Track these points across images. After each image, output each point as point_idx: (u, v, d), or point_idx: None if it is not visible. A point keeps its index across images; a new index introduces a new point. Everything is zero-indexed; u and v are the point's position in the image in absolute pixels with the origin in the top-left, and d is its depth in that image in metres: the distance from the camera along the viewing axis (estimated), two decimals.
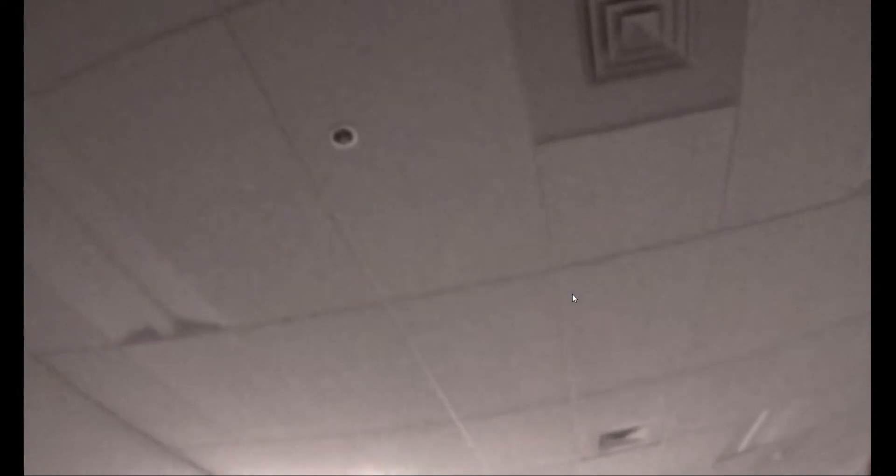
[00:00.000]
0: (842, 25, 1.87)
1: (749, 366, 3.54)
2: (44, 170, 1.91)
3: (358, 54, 1.72)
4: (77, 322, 2.50)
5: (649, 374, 3.40)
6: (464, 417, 3.49)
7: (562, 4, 1.71)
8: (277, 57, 1.70)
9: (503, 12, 1.68)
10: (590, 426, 3.88)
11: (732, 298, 2.89)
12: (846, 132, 2.22)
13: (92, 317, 2.48)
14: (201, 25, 1.62)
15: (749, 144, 2.16)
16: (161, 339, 2.64)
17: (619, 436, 4.14)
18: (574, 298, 2.60)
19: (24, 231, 2.08)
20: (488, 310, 2.65)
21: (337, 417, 3.34)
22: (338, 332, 2.67)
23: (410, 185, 2.09)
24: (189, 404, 3.10)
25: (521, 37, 1.74)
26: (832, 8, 1.82)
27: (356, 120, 1.87)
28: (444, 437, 3.68)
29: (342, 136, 1.91)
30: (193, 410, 3.16)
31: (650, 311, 2.84)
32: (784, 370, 3.71)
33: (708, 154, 2.15)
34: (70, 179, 1.95)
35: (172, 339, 2.64)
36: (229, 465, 3.80)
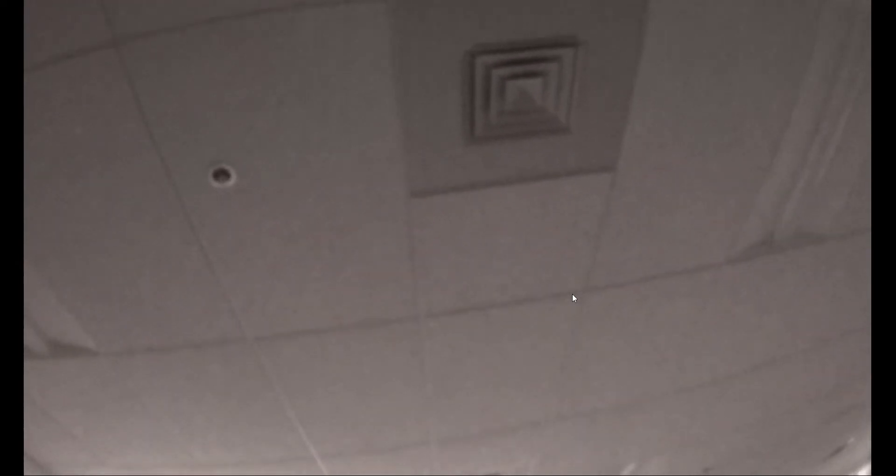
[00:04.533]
0: (726, 95, 2.00)
1: (614, 418, 3.68)
2: None
3: (243, 98, 1.74)
4: None
5: (512, 423, 3.49)
6: (323, 455, 3.49)
7: (449, 64, 1.78)
8: (164, 91, 1.72)
9: (391, 66, 1.75)
10: (449, 471, 3.93)
11: (598, 354, 3.02)
12: (724, 199, 2.35)
13: None
14: (93, 53, 1.63)
15: (622, 209, 2.27)
16: (34, 358, 2.58)
17: None
18: (574, 298, 2.62)
19: None
20: (352, 353, 2.70)
21: (200, 449, 3.31)
22: (203, 366, 2.67)
23: (284, 227, 2.12)
24: (59, 424, 3.03)
25: (406, 91, 1.81)
26: (717, 79, 1.95)
27: (236, 160, 1.90)
28: (302, 472, 3.68)
29: (220, 174, 1.93)
30: (64, 430, 3.09)
31: (514, 361, 2.94)
32: (653, 423, 3.84)
33: (580, 216, 2.26)
34: None
35: (45, 358, 2.58)
36: None
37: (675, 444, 4.27)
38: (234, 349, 2.59)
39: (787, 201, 2.42)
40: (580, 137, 2.00)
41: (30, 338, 2.48)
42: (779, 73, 1.97)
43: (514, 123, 1.92)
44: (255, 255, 2.19)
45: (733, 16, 1.81)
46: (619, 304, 2.69)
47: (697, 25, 1.81)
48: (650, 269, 2.54)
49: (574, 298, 2.61)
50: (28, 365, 2.61)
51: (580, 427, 3.68)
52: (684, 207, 2.32)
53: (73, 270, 2.20)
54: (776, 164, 2.25)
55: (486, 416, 3.35)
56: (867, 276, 2.91)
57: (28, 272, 2.18)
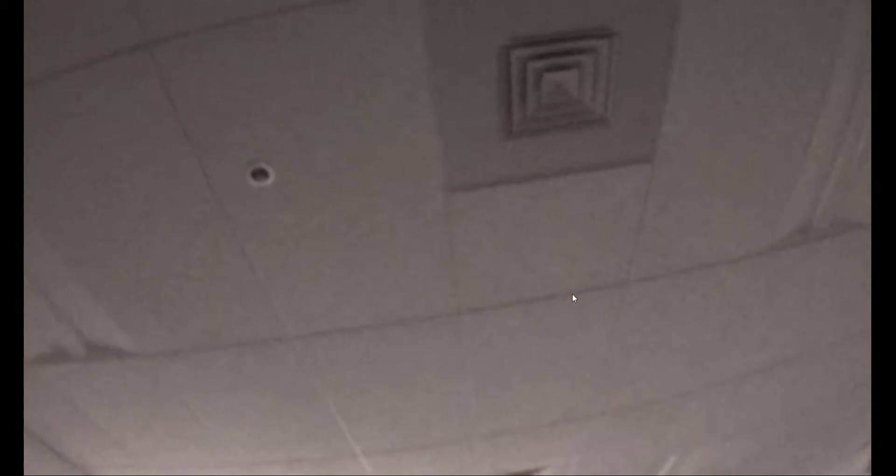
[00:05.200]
0: (759, 85, 1.99)
1: (656, 411, 3.66)
2: None
3: (279, 96, 1.76)
4: None
5: (553, 417, 3.49)
6: (366, 451, 3.51)
7: (484, 57, 1.79)
8: (199, 92, 1.75)
9: (425, 59, 1.76)
10: (492, 466, 3.95)
11: (640, 347, 3.01)
12: (761, 187, 2.34)
13: None
14: (127, 55, 1.66)
15: (661, 200, 2.27)
16: (72, 361, 2.62)
17: None
18: (574, 298, 2.63)
19: None
20: (393, 349, 2.72)
21: (241, 448, 3.35)
22: (245, 365, 2.70)
23: (323, 225, 2.14)
24: (98, 426, 3.08)
25: (441, 86, 1.82)
26: (750, 69, 1.94)
27: (273, 159, 1.92)
28: (346, 471, 3.70)
29: (258, 174, 1.95)
30: (103, 433, 3.13)
31: (555, 356, 2.94)
32: (692, 416, 3.83)
33: (620, 208, 2.26)
34: None
35: (83, 361, 2.62)
36: None
37: (717, 435, 4.25)
38: (275, 348, 2.61)
39: (824, 188, 2.40)
40: (617, 129, 2.00)
41: (68, 340, 2.52)
42: (811, 58, 1.95)
43: (550, 116, 1.92)
44: (294, 252, 2.22)
45: (765, 3, 1.79)
46: (660, 296, 2.69)
47: (730, 14, 1.80)
48: (690, 259, 2.53)
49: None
50: (66, 367, 2.65)
51: (622, 421, 3.68)
52: (722, 197, 2.31)
53: (112, 273, 2.23)
54: (812, 149, 2.23)
55: (527, 411, 3.36)
56: None
57: (66, 275, 2.22)
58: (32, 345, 2.52)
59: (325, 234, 2.17)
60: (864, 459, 5.90)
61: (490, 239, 2.27)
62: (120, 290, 2.30)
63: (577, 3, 1.71)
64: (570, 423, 3.57)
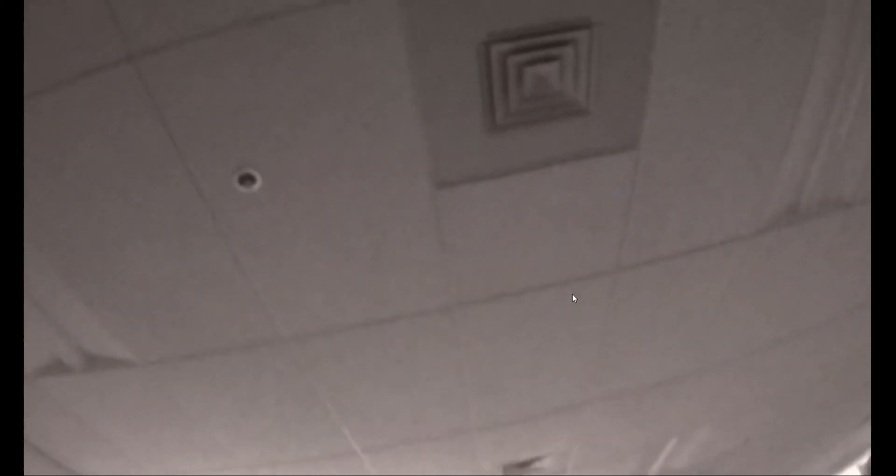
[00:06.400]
0: (743, 70, 2.01)
1: (654, 395, 3.69)
2: None
3: (262, 101, 1.77)
4: None
5: (551, 405, 3.52)
6: (366, 449, 3.53)
7: (465, 55, 1.80)
8: (185, 100, 1.76)
9: (406, 58, 1.77)
10: (493, 456, 3.98)
11: (633, 332, 3.04)
12: (748, 169, 2.35)
13: None
14: (111, 69, 1.67)
15: (648, 186, 2.28)
16: (70, 372, 2.63)
17: (524, 465, 4.22)
18: (574, 298, 2.65)
19: None
20: (388, 346, 2.74)
21: (241, 451, 3.37)
22: (241, 369, 2.72)
23: (312, 227, 2.16)
24: (99, 436, 3.09)
25: (423, 84, 1.83)
26: (733, 54, 1.96)
27: (260, 164, 1.94)
28: (347, 469, 3.72)
29: (246, 179, 1.95)
30: (104, 442, 3.15)
31: (550, 344, 2.97)
32: (690, 399, 3.87)
33: (607, 196, 2.28)
34: None
35: (81, 372, 2.64)
36: None
37: (715, 416, 4.28)
38: (270, 350, 2.63)
39: (811, 168, 2.42)
40: (601, 118, 2.01)
41: (64, 352, 2.53)
42: (794, 37, 1.97)
43: (534, 109, 1.94)
44: (285, 255, 2.23)
45: None
46: (651, 282, 2.71)
47: None
48: (680, 244, 2.55)
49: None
50: (64, 378, 2.66)
51: (620, 406, 3.71)
52: (709, 180, 2.32)
53: (104, 282, 2.24)
54: (797, 130, 2.25)
55: (525, 401, 3.39)
56: None
57: (60, 287, 2.24)
58: (30, 356, 2.53)
59: (315, 236, 2.19)
60: (863, 436, 5.95)
61: (479, 233, 2.28)
62: (113, 299, 2.31)
63: None
64: (569, 410, 3.60)
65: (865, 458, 7.05)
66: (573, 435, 3.94)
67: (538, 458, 4.20)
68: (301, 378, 2.83)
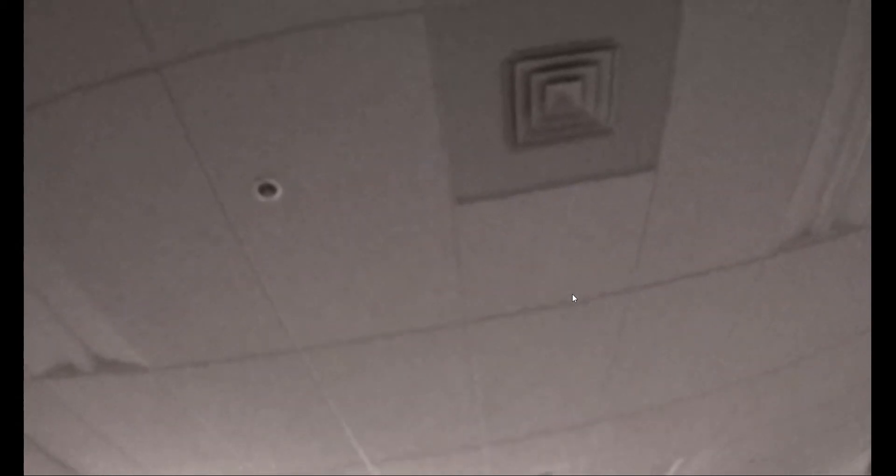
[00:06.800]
0: (760, 92, 2.02)
1: (662, 415, 3.68)
2: None
3: (286, 113, 1.78)
4: None
5: (560, 423, 3.52)
6: (376, 462, 3.53)
7: (489, 72, 1.81)
8: (208, 110, 1.78)
9: (430, 75, 1.79)
10: (500, 472, 3.96)
11: (644, 352, 3.04)
12: (764, 192, 2.36)
13: None
14: (136, 77, 1.69)
15: (665, 207, 2.29)
16: (80, 375, 2.64)
17: None
18: (574, 298, 2.64)
19: None
20: (400, 360, 2.74)
21: (250, 461, 3.36)
22: (252, 378, 2.73)
23: (330, 238, 2.17)
24: (107, 439, 3.10)
25: (448, 100, 1.85)
26: (751, 76, 1.97)
27: (281, 175, 1.95)
28: None
29: (266, 189, 1.97)
30: (112, 445, 3.15)
31: (562, 362, 2.97)
32: (698, 420, 3.85)
33: (624, 216, 2.29)
34: None
35: (91, 375, 2.65)
36: None
37: (722, 438, 4.27)
38: (283, 360, 2.64)
39: (825, 191, 2.43)
40: (621, 138, 2.02)
41: (76, 356, 2.55)
42: (811, 63, 1.98)
43: (555, 128, 1.95)
44: (302, 266, 2.24)
45: (764, 10, 1.82)
46: (664, 302, 2.71)
47: (730, 22, 1.82)
48: (694, 265, 2.56)
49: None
50: (74, 381, 2.68)
51: (628, 425, 3.70)
52: (724, 203, 2.33)
53: (119, 287, 2.26)
54: (812, 154, 2.26)
55: (535, 418, 3.39)
56: None
57: (73, 289, 2.25)
58: (40, 359, 2.55)
59: (332, 248, 2.20)
60: (865, 460, 5.93)
61: (497, 249, 2.29)
62: (128, 304, 2.32)
63: (578, 16, 1.73)
64: (577, 429, 3.60)
65: None
66: (580, 452, 3.92)
67: (545, 474, 4.19)
68: (313, 389, 2.83)
